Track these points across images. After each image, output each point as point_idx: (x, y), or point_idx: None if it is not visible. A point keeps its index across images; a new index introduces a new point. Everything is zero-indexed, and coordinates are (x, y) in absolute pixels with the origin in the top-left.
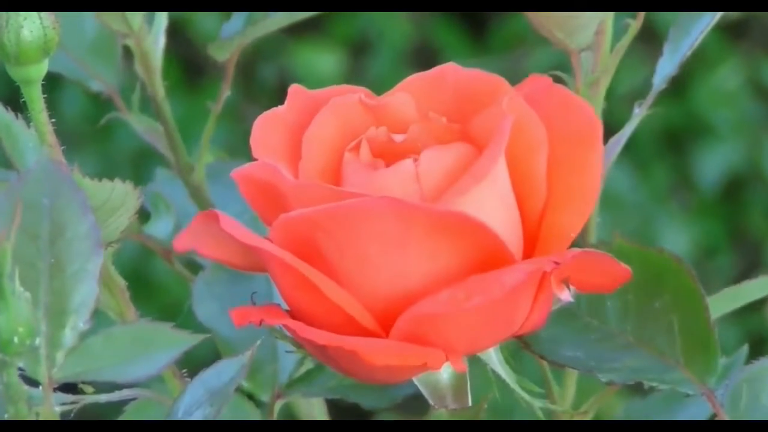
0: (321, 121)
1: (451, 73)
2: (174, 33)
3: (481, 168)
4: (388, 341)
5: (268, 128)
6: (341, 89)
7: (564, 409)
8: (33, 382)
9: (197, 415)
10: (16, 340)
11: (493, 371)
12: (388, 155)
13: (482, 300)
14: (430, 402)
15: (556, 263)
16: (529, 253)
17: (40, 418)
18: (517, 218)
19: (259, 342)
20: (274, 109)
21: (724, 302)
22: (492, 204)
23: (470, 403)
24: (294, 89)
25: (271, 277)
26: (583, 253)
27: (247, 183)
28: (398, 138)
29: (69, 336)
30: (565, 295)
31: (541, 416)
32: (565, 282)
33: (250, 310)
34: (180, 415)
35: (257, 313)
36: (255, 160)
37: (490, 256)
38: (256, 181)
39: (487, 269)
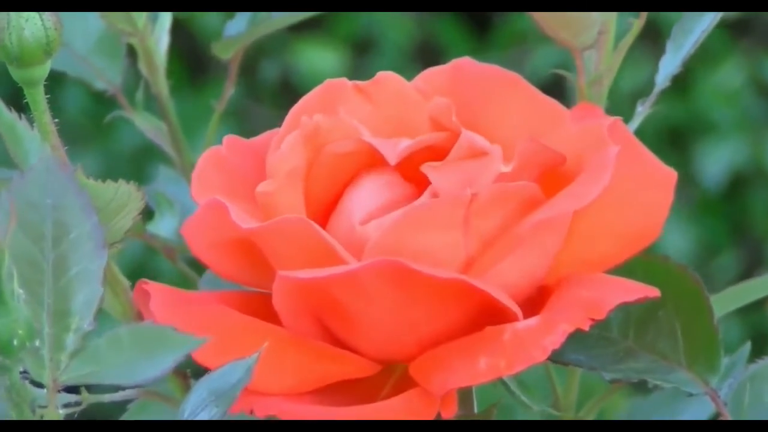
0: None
1: (467, 67)
2: (177, 31)
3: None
4: (378, 409)
5: (210, 169)
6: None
7: (563, 414)
8: (37, 383)
9: (202, 417)
10: (15, 342)
11: None
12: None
13: (524, 366)
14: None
15: (593, 320)
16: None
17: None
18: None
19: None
20: (215, 147)
21: (727, 301)
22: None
23: (476, 409)
24: (228, 139)
25: None
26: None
27: (196, 233)
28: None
29: (73, 337)
30: None
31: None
32: None
33: (240, 399)
34: (185, 418)
35: (248, 402)
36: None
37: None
38: (209, 227)
39: (495, 320)
